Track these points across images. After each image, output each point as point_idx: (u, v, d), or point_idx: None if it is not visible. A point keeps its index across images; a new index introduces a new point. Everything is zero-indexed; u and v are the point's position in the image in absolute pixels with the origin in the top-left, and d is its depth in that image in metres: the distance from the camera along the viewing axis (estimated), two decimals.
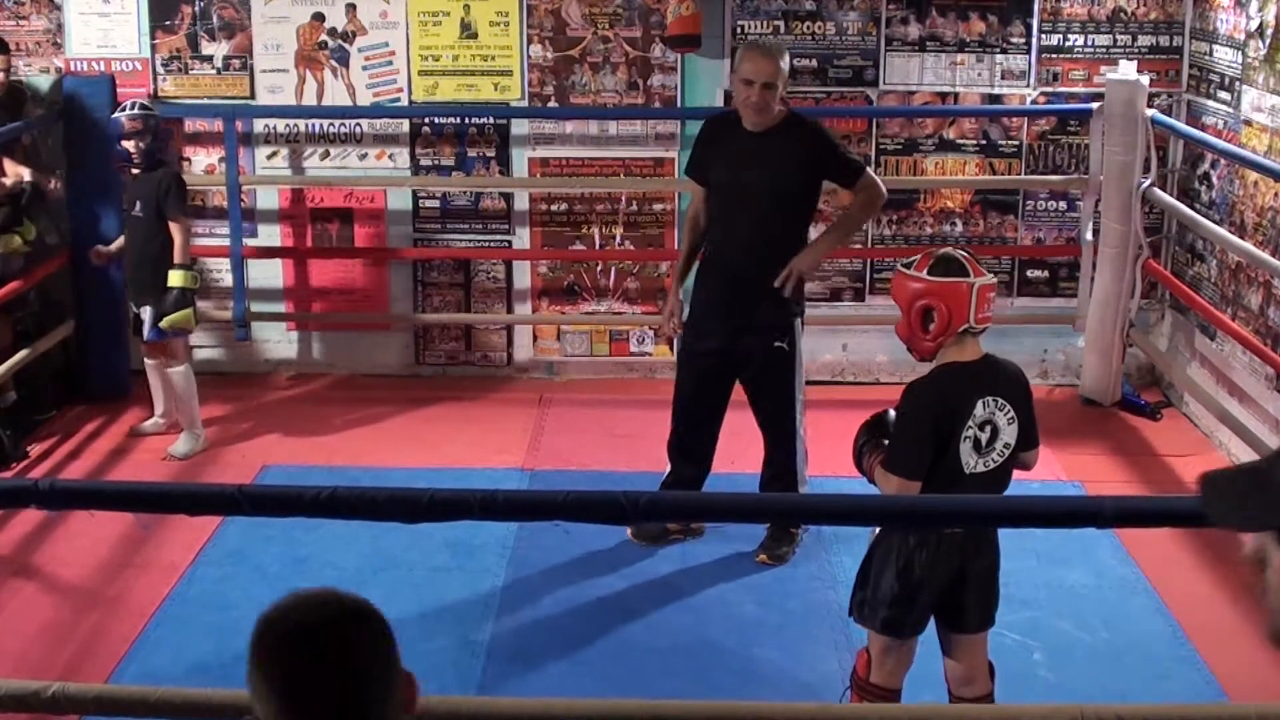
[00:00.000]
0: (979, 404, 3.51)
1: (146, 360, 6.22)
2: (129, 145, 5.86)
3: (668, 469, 5.26)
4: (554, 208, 7.01)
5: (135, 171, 5.94)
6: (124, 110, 5.94)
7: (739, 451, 6.23)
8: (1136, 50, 6.80)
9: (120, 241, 6.15)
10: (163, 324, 5.89)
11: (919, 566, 3.57)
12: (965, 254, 3.66)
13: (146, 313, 5.96)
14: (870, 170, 5.14)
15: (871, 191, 5.05)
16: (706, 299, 5.12)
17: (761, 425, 5.22)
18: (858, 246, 7.01)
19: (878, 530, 3.67)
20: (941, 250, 3.67)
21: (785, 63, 4.94)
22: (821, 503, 3.34)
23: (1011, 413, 3.55)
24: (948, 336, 3.56)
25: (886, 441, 3.62)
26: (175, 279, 5.88)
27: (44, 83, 6.78)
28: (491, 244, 7.09)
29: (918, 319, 3.57)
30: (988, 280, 3.59)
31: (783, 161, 4.91)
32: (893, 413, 3.67)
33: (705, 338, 5.14)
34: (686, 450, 5.27)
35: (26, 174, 6.22)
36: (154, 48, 6.87)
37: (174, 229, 5.89)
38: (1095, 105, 6.69)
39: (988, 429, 3.52)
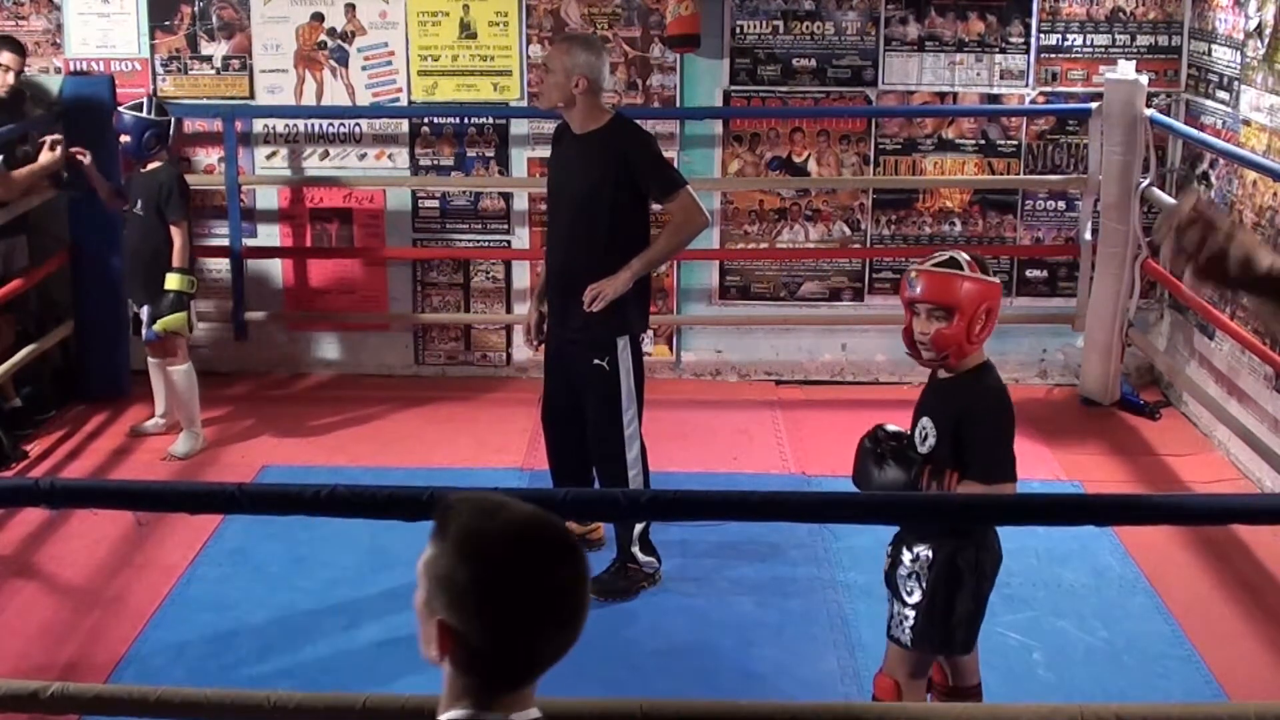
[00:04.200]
0: None
1: (149, 359, 6.23)
2: (120, 140, 5.95)
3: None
4: None
5: (141, 169, 5.98)
6: (125, 106, 6.01)
7: (739, 450, 6.25)
8: (1135, 50, 6.80)
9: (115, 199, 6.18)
10: (156, 327, 5.92)
11: (992, 571, 3.55)
12: None
13: (145, 312, 5.97)
14: (689, 193, 4.81)
15: (683, 215, 4.81)
16: (549, 300, 5.03)
17: (589, 442, 5.02)
18: (856, 246, 7.03)
19: (920, 560, 3.51)
20: (965, 252, 3.58)
21: (581, 56, 4.75)
22: (822, 502, 3.33)
23: None
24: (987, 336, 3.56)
25: (934, 458, 3.49)
26: (172, 282, 5.89)
27: (46, 82, 6.78)
28: (491, 244, 7.09)
29: (980, 321, 3.48)
30: None
31: (595, 163, 4.78)
32: (898, 442, 3.52)
33: (549, 342, 5.07)
34: (550, 458, 5.19)
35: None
36: (153, 48, 6.87)
37: (174, 232, 5.91)
38: (1094, 105, 6.70)
39: None
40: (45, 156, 6.01)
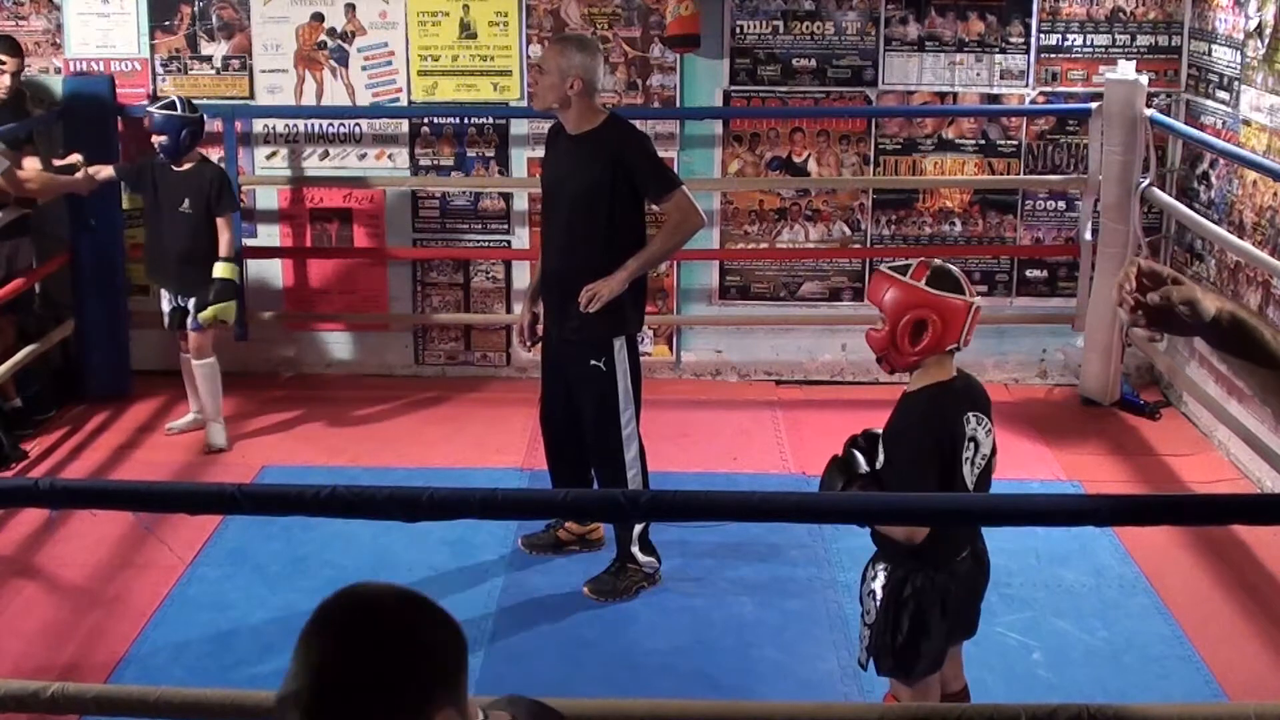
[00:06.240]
0: (963, 422, 3.40)
1: (184, 355, 6.24)
2: (154, 139, 5.99)
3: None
4: None
5: (175, 167, 6.00)
6: (156, 105, 6.05)
7: (739, 450, 6.25)
8: (1135, 50, 6.80)
9: (109, 171, 6.16)
10: (205, 314, 6.00)
11: (946, 601, 3.45)
12: (958, 270, 3.47)
13: (193, 304, 6.04)
14: (685, 193, 4.83)
15: (679, 215, 4.81)
16: (544, 301, 5.03)
17: (587, 443, 5.03)
18: (857, 246, 7.03)
19: (879, 580, 3.48)
20: (937, 261, 3.47)
21: (575, 57, 4.74)
22: (821, 503, 3.33)
23: (989, 425, 3.46)
24: (932, 354, 3.39)
25: (868, 476, 3.42)
26: (223, 270, 5.98)
27: (46, 82, 6.79)
28: (491, 244, 7.09)
29: (906, 330, 3.34)
30: (979, 302, 3.44)
31: (590, 163, 4.78)
32: (858, 455, 3.45)
33: (546, 343, 5.07)
34: (549, 460, 5.19)
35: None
36: (153, 48, 6.87)
37: (222, 224, 6.01)
38: (1094, 105, 6.70)
39: (972, 445, 3.42)
40: (80, 175, 6.04)
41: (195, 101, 6.79)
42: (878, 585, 3.48)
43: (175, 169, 6.02)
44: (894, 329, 3.37)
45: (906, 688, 3.55)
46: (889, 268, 3.45)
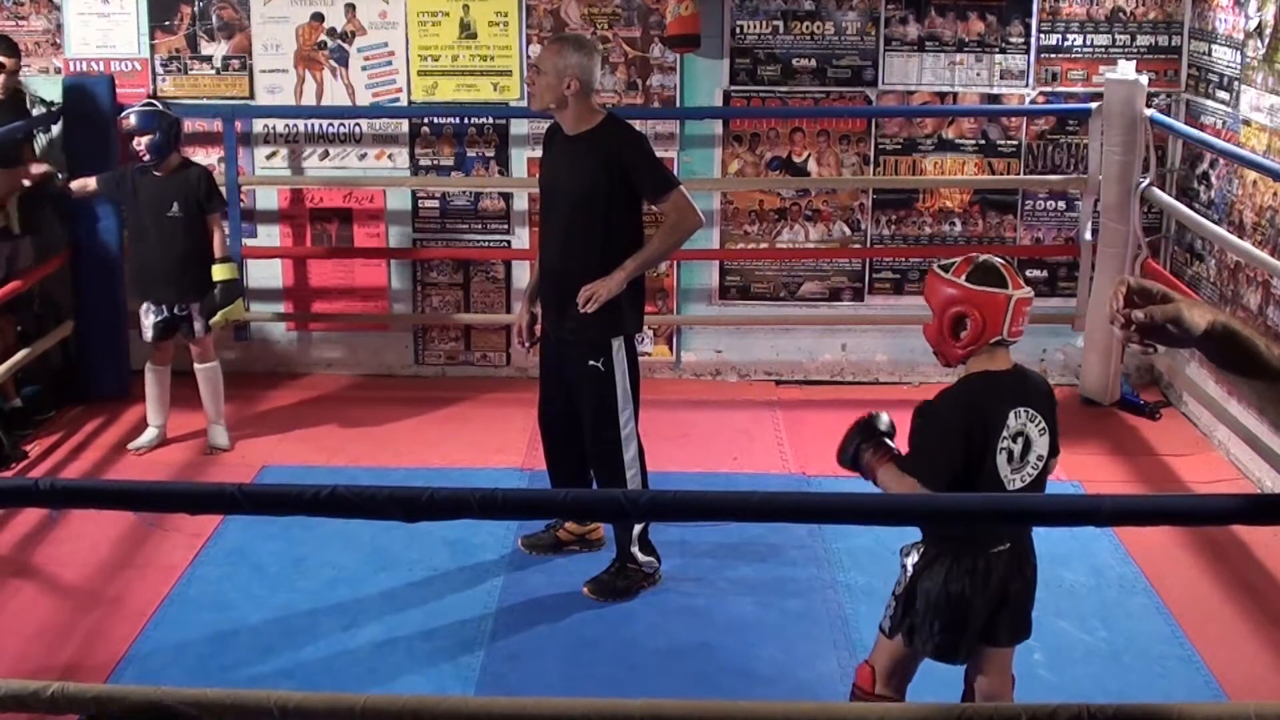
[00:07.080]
0: (1011, 415, 3.44)
1: (155, 367, 6.13)
2: (136, 143, 5.86)
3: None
4: None
5: (157, 172, 5.91)
6: (131, 109, 5.98)
7: (739, 450, 6.25)
8: (1135, 50, 6.81)
9: (92, 184, 6.07)
10: (214, 320, 5.97)
11: (971, 590, 3.48)
12: (1004, 262, 3.52)
13: (196, 310, 5.99)
14: (683, 193, 4.83)
15: (677, 215, 4.81)
16: (542, 302, 5.02)
17: (586, 443, 5.03)
18: (857, 246, 7.03)
19: (916, 553, 3.57)
20: (982, 257, 3.52)
21: (572, 57, 4.74)
22: (822, 502, 3.32)
23: (1043, 423, 3.49)
24: (978, 346, 3.46)
25: (888, 442, 3.55)
26: (223, 271, 5.94)
27: (45, 83, 6.79)
28: (491, 244, 7.09)
29: (949, 325, 3.45)
30: (1025, 294, 3.47)
31: (588, 163, 4.78)
32: (885, 416, 3.59)
33: (544, 344, 5.07)
34: (548, 460, 5.20)
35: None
36: (153, 48, 6.88)
37: (214, 224, 5.96)
38: (1094, 105, 6.70)
39: (1020, 440, 3.45)
40: (35, 170, 6.08)
41: (195, 102, 6.85)
42: (910, 561, 3.59)
43: (156, 174, 5.90)
44: (940, 323, 3.49)
45: (882, 655, 3.63)
46: (939, 265, 3.55)
